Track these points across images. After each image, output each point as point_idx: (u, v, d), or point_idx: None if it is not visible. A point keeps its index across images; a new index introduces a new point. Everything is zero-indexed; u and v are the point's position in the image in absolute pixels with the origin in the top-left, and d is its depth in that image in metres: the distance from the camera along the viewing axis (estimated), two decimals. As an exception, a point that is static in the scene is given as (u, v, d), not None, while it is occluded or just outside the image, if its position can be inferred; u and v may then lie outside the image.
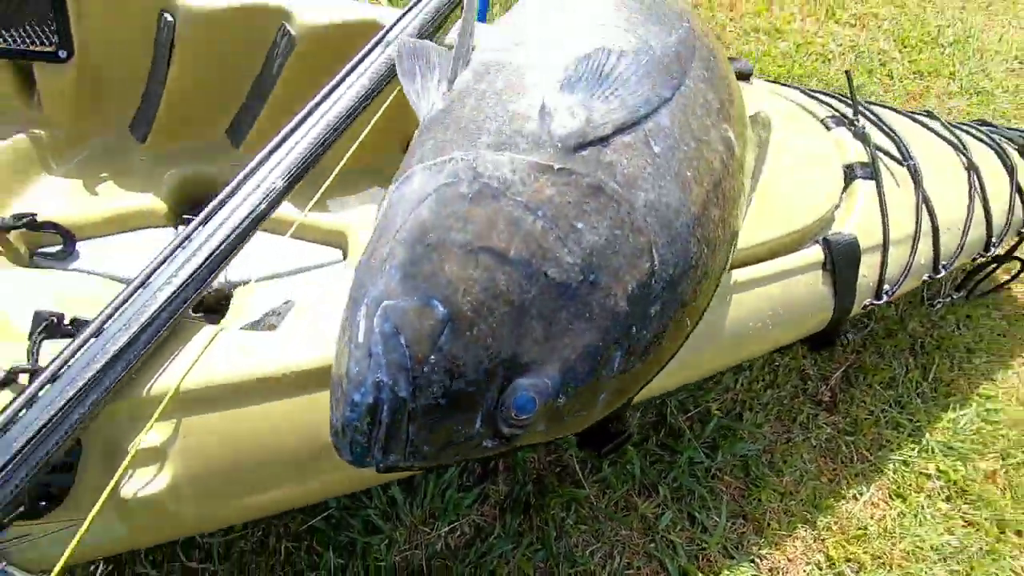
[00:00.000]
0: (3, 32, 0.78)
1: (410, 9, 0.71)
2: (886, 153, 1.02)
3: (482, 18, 1.13)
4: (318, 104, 0.64)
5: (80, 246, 0.81)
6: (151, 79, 0.85)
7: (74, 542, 0.43)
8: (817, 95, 1.11)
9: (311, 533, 0.82)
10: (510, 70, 0.55)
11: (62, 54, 0.80)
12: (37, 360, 0.49)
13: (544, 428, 0.49)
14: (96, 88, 0.85)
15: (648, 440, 0.99)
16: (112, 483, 0.45)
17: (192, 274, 0.54)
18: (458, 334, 0.43)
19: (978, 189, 1.08)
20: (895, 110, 1.20)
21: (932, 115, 1.22)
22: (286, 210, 0.64)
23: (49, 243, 0.80)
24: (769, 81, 1.18)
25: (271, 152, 0.61)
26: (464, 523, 0.87)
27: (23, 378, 0.48)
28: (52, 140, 0.85)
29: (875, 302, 0.93)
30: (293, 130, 0.62)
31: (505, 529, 0.86)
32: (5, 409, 0.46)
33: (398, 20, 0.70)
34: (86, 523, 0.44)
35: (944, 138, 1.13)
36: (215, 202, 0.58)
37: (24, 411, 0.46)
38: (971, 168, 1.09)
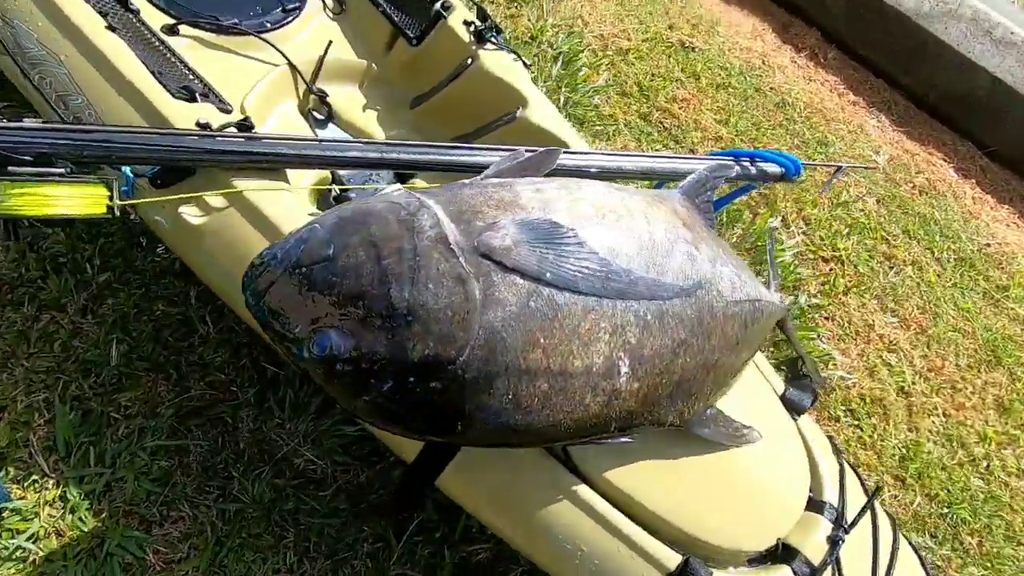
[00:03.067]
0: (399, 12, 1.36)
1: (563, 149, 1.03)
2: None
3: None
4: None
5: (331, 124, 1.30)
6: (440, 84, 1.32)
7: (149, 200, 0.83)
8: (843, 462, 1.05)
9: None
10: (512, 196, 0.78)
11: (414, 43, 1.33)
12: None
13: (323, 375, 0.70)
14: (414, 69, 1.36)
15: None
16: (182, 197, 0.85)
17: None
18: (326, 270, 0.69)
19: None
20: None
21: None
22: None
23: (319, 112, 1.30)
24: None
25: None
26: (304, 454, 1.14)
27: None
28: (373, 75, 1.38)
29: None
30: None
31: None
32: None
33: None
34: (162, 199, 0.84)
35: None
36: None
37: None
38: None
